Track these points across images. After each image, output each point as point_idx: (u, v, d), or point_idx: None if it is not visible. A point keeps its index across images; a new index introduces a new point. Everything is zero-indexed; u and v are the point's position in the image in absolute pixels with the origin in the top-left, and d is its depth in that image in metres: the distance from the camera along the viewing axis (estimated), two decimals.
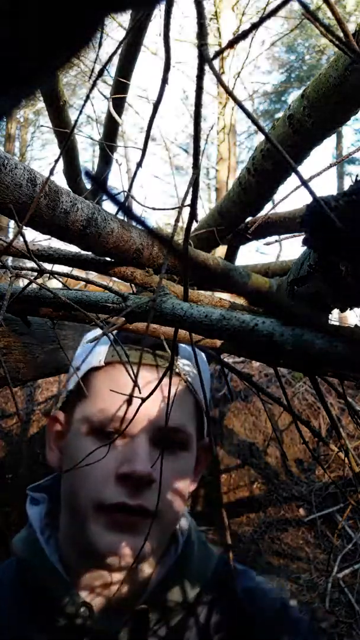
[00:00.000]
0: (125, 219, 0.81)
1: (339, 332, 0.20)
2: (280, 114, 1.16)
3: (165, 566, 0.65)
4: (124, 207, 0.14)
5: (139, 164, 0.45)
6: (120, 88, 1.99)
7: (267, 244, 0.93)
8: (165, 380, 0.62)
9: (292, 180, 1.32)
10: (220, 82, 0.27)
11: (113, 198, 0.14)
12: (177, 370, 0.64)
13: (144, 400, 0.50)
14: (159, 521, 0.59)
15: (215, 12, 5.64)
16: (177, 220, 0.38)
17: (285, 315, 0.17)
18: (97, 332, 0.72)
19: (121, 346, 0.62)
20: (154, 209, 0.74)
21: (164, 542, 0.65)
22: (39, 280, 0.51)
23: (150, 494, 0.59)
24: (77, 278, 0.57)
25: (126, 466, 0.59)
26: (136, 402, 0.60)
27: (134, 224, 0.83)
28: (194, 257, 0.74)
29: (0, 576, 0.68)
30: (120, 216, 0.81)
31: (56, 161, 0.53)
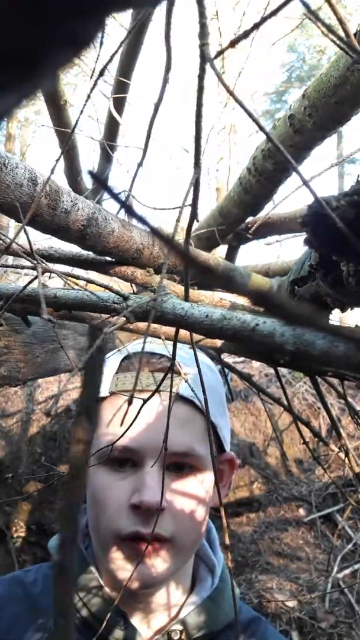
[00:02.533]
0: (126, 219, 0.81)
1: (340, 332, 0.20)
2: (281, 114, 1.16)
3: (201, 596, 0.68)
4: (126, 206, 0.14)
5: (140, 164, 0.45)
6: (121, 88, 1.99)
7: (268, 244, 0.93)
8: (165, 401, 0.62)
9: (293, 180, 1.32)
10: (221, 81, 0.27)
11: (115, 196, 0.14)
12: (181, 393, 0.64)
13: (145, 401, 0.50)
14: (174, 546, 0.61)
15: (216, 11, 5.64)
16: (177, 220, 0.38)
17: (286, 315, 0.17)
18: (122, 352, 0.72)
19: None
20: (155, 208, 0.74)
21: (182, 565, 0.66)
22: (40, 280, 0.51)
23: (162, 521, 0.60)
24: (77, 277, 0.57)
25: (136, 496, 0.60)
26: (147, 431, 0.61)
27: (134, 223, 0.83)
28: (195, 257, 0.74)
29: (43, 583, 0.69)
30: (121, 216, 0.81)
31: (57, 161, 0.53)
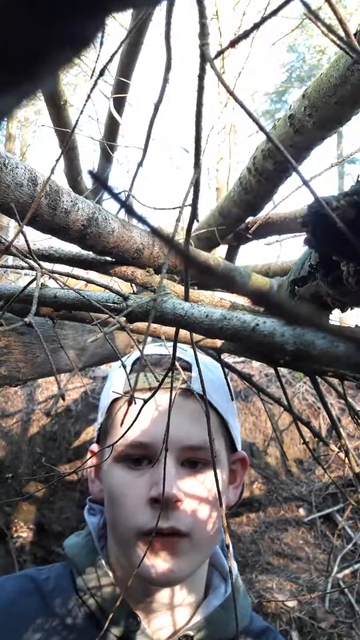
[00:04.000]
0: (126, 219, 0.81)
1: (340, 332, 0.20)
2: (281, 114, 1.16)
3: (213, 604, 0.68)
4: (126, 206, 0.14)
5: (140, 164, 0.45)
6: (121, 88, 1.99)
7: (268, 244, 0.93)
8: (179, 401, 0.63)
9: (293, 180, 1.32)
10: (221, 81, 0.27)
11: (115, 196, 0.14)
12: (193, 388, 0.65)
13: (148, 399, 0.50)
14: (192, 541, 0.62)
15: (216, 11, 5.63)
16: (178, 220, 0.38)
17: (286, 315, 0.17)
18: (135, 355, 0.73)
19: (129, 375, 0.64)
20: (155, 208, 0.74)
21: (201, 563, 0.67)
22: (40, 280, 0.51)
23: (179, 514, 0.61)
24: (77, 277, 0.57)
25: (154, 490, 0.61)
26: (161, 426, 0.61)
27: (134, 223, 0.83)
28: (195, 257, 0.74)
29: (56, 581, 0.70)
30: (121, 216, 0.81)
31: (57, 161, 0.53)
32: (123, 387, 0.68)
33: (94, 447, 0.76)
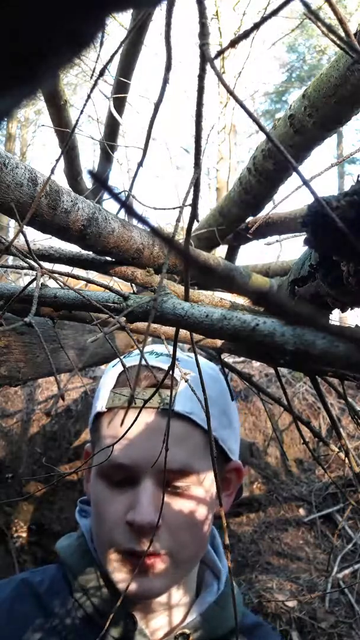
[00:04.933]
0: (126, 219, 0.81)
1: (340, 332, 0.20)
2: (281, 114, 1.16)
3: (207, 601, 0.69)
4: (126, 206, 0.14)
5: (140, 164, 0.45)
6: (121, 87, 1.99)
7: (268, 244, 0.93)
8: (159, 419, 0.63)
9: (293, 180, 1.32)
10: (221, 81, 0.27)
11: (115, 196, 0.14)
12: (177, 410, 0.64)
13: (146, 401, 0.50)
14: (172, 560, 0.62)
15: (216, 11, 5.64)
16: (178, 220, 0.38)
17: (286, 315, 0.17)
18: (133, 357, 0.72)
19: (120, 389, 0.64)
20: (155, 208, 0.74)
21: (183, 577, 0.67)
22: (40, 280, 0.51)
23: (159, 537, 0.61)
24: (77, 277, 0.57)
25: (130, 514, 0.61)
26: (143, 449, 0.61)
27: (134, 223, 0.83)
28: (196, 257, 0.74)
29: (51, 583, 0.70)
30: (121, 215, 0.81)
31: (57, 161, 0.53)
32: (106, 402, 0.68)
33: (89, 448, 0.76)
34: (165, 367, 0.68)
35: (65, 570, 0.70)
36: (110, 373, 0.72)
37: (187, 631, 0.65)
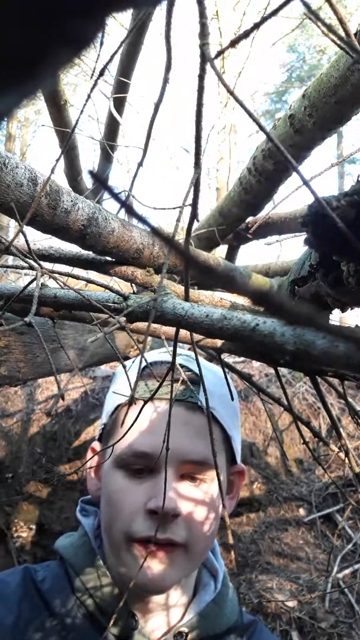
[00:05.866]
0: (126, 219, 0.81)
1: (340, 332, 0.20)
2: (281, 114, 1.16)
3: (204, 600, 0.70)
4: (126, 205, 0.14)
5: (140, 164, 0.45)
6: (121, 87, 1.99)
7: (268, 243, 0.93)
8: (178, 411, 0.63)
9: (293, 180, 1.32)
10: (221, 81, 0.27)
11: (115, 195, 0.14)
12: (199, 404, 0.65)
13: (150, 398, 0.50)
14: (186, 551, 0.63)
15: (216, 11, 5.63)
16: (178, 220, 0.38)
17: (286, 315, 0.17)
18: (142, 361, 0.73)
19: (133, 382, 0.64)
20: (155, 208, 0.74)
21: (193, 571, 0.69)
22: (40, 280, 0.51)
23: (176, 527, 0.62)
24: (77, 277, 0.57)
25: (153, 502, 0.61)
26: (162, 436, 0.61)
27: (134, 223, 0.83)
28: (196, 257, 0.74)
29: (53, 581, 0.70)
30: (121, 215, 0.81)
31: (57, 161, 0.53)
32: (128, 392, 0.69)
33: (96, 445, 0.76)
34: (186, 364, 0.70)
35: (66, 568, 0.70)
36: (132, 366, 0.73)
37: (185, 630, 0.66)
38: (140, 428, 0.63)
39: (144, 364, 0.71)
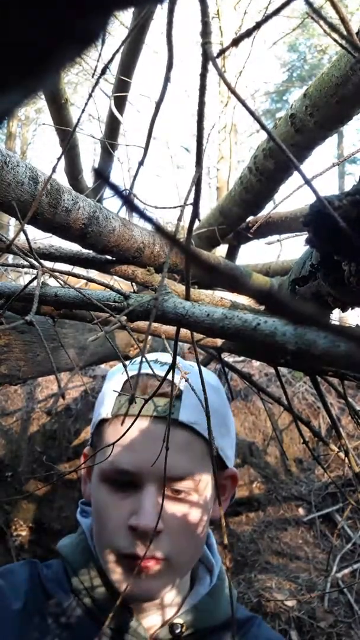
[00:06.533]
0: (127, 217, 0.81)
1: (341, 331, 0.20)
2: (282, 114, 1.15)
3: (200, 593, 0.71)
4: (128, 201, 0.14)
5: (141, 163, 0.45)
6: (122, 86, 1.99)
7: (269, 243, 0.93)
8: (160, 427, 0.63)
9: (294, 180, 1.31)
10: (223, 80, 0.27)
11: (117, 192, 0.14)
12: (180, 420, 0.65)
13: (149, 398, 0.50)
14: (171, 564, 0.64)
15: (218, 10, 5.62)
16: (179, 219, 0.38)
17: (287, 314, 0.17)
18: (123, 376, 0.72)
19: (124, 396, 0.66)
20: (156, 207, 0.74)
21: (183, 577, 0.69)
22: (41, 279, 0.51)
23: (160, 542, 0.63)
24: (78, 276, 0.57)
25: (134, 518, 0.62)
26: (146, 455, 0.62)
27: (135, 222, 0.83)
28: (199, 255, 0.74)
29: (54, 579, 0.71)
30: (122, 214, 0.81)
31: (58, 159, 0.53)
32: (112, 409, 0.68)
33: (88, 450, 0.77)
34: (169, 376, 0.68)
35: (65, 566, 0.71)
36: (115, 378, 0.72)
37: (180, 621, 0.67)
38: (123, 444, 0.63)
39: (141, 366, 0.70)
